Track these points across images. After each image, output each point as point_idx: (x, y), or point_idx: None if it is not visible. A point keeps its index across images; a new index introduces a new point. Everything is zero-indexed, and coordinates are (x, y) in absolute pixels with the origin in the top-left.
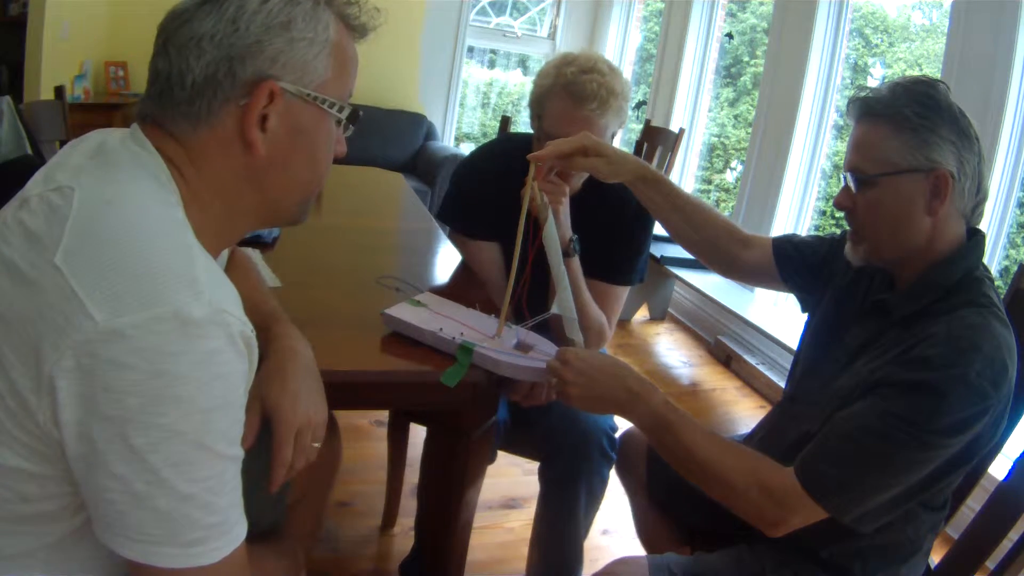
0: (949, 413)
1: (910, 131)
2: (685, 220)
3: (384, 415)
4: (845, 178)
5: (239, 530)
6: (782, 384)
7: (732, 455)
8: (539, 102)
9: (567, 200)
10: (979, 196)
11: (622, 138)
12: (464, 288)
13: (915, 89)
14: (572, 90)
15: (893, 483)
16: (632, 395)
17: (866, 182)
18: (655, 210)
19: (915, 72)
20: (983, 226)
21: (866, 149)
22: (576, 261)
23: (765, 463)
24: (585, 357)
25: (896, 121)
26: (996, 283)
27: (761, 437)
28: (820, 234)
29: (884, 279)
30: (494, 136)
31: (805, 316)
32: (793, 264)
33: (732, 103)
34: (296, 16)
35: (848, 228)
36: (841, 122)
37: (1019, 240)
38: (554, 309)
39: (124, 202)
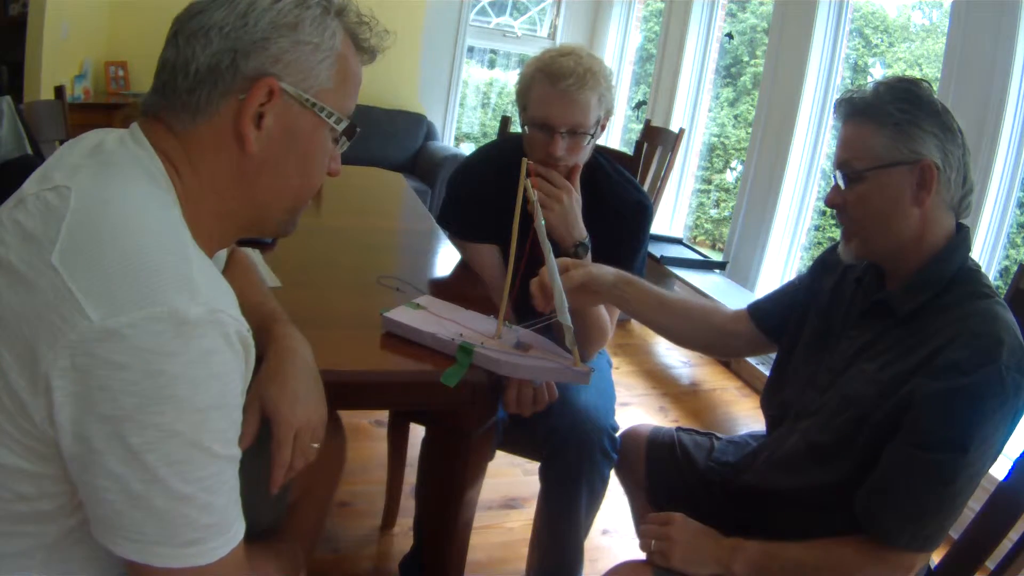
0: (987, 420)
1: (893, 126)
2: (673, 313)
3: (384, 415)
4: (835, 176)
5: (237, 530)
6: None
7: (835, 553)
8: (523, 92)
9: (579, 199)
10: (965, 188)
11: (622, 138)
12: (464, 287)
13: (897, 87)
14: (549, 70)
15: (963, 503)
16: (731, 549)
17: (854, 177)
18: (642, 313)
19: (915, 72)
20: (983, 225)
21: (853, 146)
22: (585, 262)
23: (867, 544)
24: (686, 523)
25: (880, 118)
26: (996, 284)
27: (767, 457)
28: (789, 280)
29: (873, 281)
30: (494, 136)
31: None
32: (773, 316)
33: (732, 103)
34: (304, 19)
35: (840, 228)
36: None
37: (1019, 240)
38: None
39: (121, 202)
